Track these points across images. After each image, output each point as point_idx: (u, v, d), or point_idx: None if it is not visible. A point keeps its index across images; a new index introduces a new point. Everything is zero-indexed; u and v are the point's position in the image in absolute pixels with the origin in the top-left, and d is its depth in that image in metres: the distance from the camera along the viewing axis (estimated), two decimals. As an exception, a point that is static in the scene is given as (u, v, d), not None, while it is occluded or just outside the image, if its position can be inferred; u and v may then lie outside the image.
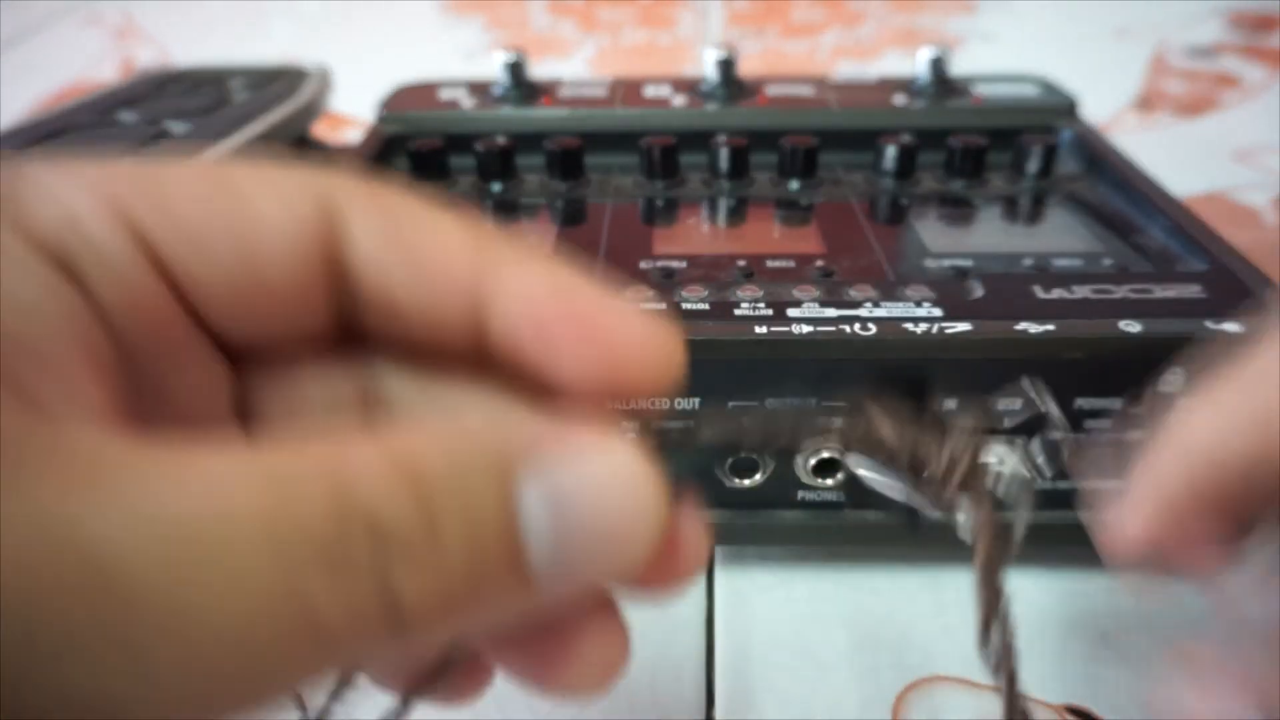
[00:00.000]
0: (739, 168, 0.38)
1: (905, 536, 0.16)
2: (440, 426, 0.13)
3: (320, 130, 0.45)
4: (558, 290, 0.15)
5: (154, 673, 0.10)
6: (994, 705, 0.18)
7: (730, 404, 0.26)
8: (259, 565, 0.11)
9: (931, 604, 0.28)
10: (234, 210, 0.14)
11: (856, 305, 0.27)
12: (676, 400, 0.26)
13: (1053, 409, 0.15)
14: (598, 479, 0.13)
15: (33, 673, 0.09)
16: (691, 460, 0.15)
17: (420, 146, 0.39)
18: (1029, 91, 0.42)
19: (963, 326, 0.25)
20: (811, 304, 0.27)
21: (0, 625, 0.09)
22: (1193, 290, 0.27)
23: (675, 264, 0.31)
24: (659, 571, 0.16)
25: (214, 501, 0.11)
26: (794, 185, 0.37)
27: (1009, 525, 0.15)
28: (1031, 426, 0.16)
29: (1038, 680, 0.26)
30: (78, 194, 0.13)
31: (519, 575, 0.13)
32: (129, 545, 0.10)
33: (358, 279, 0.15)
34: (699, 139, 0.39)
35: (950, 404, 0.15)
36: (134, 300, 0.13)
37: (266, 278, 0.14)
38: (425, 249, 0.15)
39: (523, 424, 0.14)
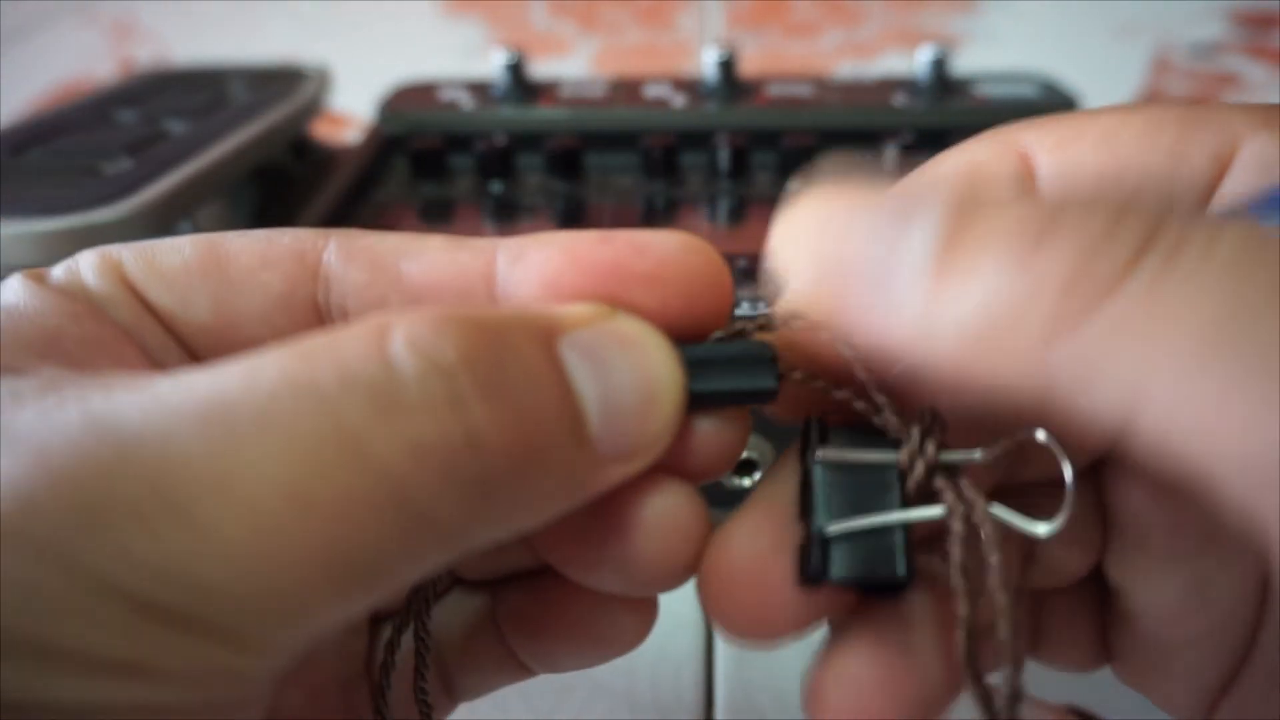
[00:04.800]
0: (739, 168, 0.38)
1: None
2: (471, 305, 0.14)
3: (319, 130, 0.45)
4: (570, 248, 0.15)
5: (210, 531, 0.10)
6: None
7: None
8: (296, 414, 0.11)
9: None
10: (213, 267, 0.16)
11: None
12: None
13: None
14: (625, 332, 0.14)
15: (96, 541, 0.10)
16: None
17: (420, 146, 0.38)
18: (1030, 91, 0.41)
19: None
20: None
21: (61, 504, 0.10)
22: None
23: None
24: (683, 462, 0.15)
25: (241, 374, 0.11)
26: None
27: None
28: None
29: (1039, 682, 0.26)
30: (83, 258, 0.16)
31: (580, 438, 0.13)
32: (162, 423, 0.11)
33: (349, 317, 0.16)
34: (699, 139, 0.39)
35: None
36: (129, 324, 0.15)
37: (242, 323, 0.16)
38: (414, 278, 0.16)
39: (540, 305, 0.14)
